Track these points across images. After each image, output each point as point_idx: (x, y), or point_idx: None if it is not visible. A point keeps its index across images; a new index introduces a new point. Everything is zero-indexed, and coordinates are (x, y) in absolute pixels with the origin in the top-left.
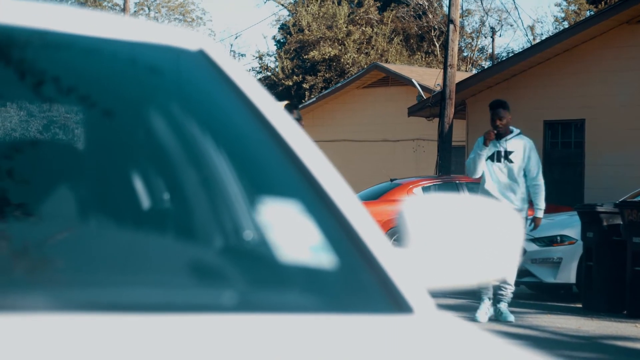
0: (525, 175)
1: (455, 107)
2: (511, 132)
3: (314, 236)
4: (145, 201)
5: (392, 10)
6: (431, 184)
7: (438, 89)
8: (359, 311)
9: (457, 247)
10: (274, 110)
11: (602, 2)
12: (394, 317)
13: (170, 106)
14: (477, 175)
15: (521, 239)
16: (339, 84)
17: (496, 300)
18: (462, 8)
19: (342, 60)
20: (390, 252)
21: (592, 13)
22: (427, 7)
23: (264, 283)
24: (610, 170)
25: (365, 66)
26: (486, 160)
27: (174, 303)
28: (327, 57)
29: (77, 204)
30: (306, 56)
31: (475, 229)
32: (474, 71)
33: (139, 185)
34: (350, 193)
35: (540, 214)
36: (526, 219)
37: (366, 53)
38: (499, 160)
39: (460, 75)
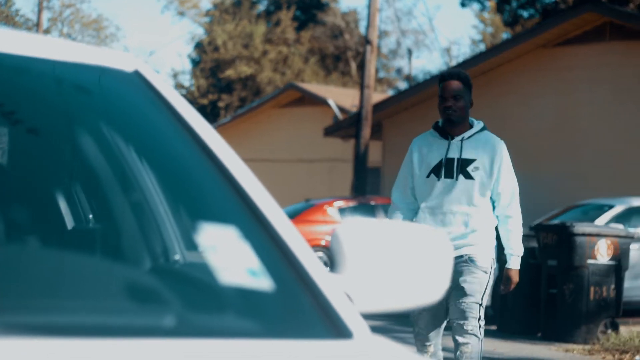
0: (492, 199)
1: (371, 129)
2: (470, 126)
3: (252, 260)
4: (80, 224)
5: (309, 30)
6: (346, 205)
7: (354, 109)
8: (299, 337)
9: (387, 271)
10: (208, 131)
11: (520, 25)
12: (335, 343)
13: (107, 125)
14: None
15: (450, 263)
16: (255, 103)
17: None
18: (379, 29)
19: (258, 79)
20: (328, 276)
21: (508, 35)
22: (344, 28)
23: (201, 307)
24: (527, 194)
25: (282, 86)
26: (427, 175)
27: (110, 327)
28: (242, 76)
29: (7, 225)
30: (222, 75)
31: (404, 254)
32: (390, 92)
33: (75, 207)
34: (284, 216)
35: (515, 263)
36: (494, 268)
37: (282, 72)
38: (448, 175)
39: (376, 97)
